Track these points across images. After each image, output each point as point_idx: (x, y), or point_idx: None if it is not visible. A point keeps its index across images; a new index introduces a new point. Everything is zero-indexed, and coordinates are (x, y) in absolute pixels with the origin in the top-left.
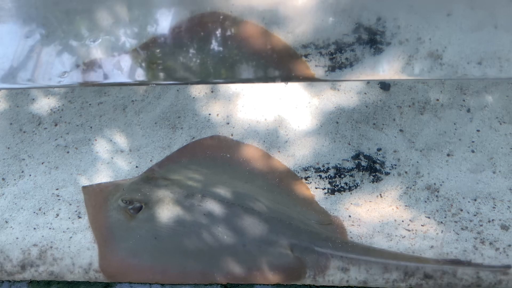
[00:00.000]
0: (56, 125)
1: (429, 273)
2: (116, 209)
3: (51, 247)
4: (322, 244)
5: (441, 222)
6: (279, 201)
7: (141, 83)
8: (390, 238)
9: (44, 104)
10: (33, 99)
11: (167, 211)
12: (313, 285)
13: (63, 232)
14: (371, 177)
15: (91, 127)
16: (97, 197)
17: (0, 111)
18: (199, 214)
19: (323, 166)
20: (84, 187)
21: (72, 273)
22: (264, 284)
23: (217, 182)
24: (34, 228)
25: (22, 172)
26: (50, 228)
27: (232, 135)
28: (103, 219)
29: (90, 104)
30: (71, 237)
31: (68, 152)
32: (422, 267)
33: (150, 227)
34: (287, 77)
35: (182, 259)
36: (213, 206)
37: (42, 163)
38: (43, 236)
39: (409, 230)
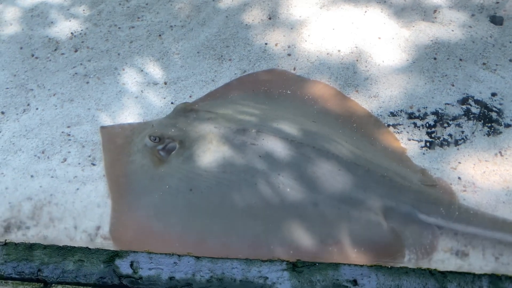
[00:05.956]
0: (76, 51)
1: None
2: (141, 151)
3: (49, 202)
4: (430, 209)
5: None
6: (361, 148)
7: None
8: None
9: (64, 28)
10: (52, 22)
11: (209, 152)
12: (435, 269)
13: (69, 182)
14: (486, 129)
15: (118, 54)
16: (117, 139)
17: (10, 34)
18: (252, 156)
19: (419, 111)
20: (102, 127)
21: (72, 240)
22: (350, 264)
23: (277, 117)
24: (32, 176)
25: (28, 105)
26: (52, 177)
27: (294, 69)
28: (123, 166)
29: (119, 28)
30: (77, 189)
31: (87, 82)
32: None
33: (185, 174)
34: None
35: (227, 222)
36: (273, 145)
37: (54, 95)
38: (41, 186)
39: None
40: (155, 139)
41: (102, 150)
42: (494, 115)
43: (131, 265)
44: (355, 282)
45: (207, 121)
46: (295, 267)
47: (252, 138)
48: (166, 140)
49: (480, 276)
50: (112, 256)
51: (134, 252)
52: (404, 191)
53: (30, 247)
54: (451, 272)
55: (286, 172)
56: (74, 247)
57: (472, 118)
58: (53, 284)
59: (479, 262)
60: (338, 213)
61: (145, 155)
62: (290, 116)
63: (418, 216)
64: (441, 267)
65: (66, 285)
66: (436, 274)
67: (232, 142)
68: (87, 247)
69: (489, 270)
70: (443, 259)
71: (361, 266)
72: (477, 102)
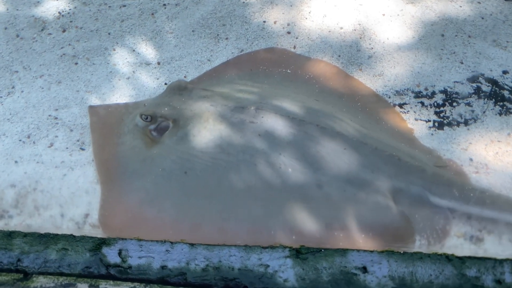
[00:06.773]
0: (64, 31)
1: None
2: (132, 132)
3: (34, 189)
4: (442, 191)
5: None
6: (367, 127)
7: None
8: None
9: (51, 7)
10: (38, 1)
11: (205, 132)
12: (452, 255)
13: (55, 167)
14: (498, 108)
15: (109, 34)
16: (107, 120)
17: None
18: (252, 135)
19: (426, 89)
20: (91, 107)
21: (58, 229)
22: (359, 250)
23: (277, 95)
24: (16, 162)
25: (12, 87)
26: (37, 162)
27: (294, 47)
28: (112, 148)
29: (109, 7)
30: (65, 175)
31: (76, 63)
32: None
33: (179, 156)
34: None
35: (224, 206)
36: (273, 123)
37: (41, 77)
38: (26, 173)
39: None
40: (147, 118)
41: (91, 131)
42: (506, 93)
43: (120, 253)
44: (364, 269)
45: (203, 99)
46: (298, 253)
47: (251, 116)
48: (158, 119)
49: (501, 261)
50: (98, 244)
51: (122, 239)
52: (415, 172)
53: (9, 235)
54: (469, 257)
55: (288, 151)
56: (57, 234)
57: (482, 97)
58: (34, 275)
59: (495, 248)
60: (344, 195)
61: (136, 136)
62: (291, 94)
63: (430, 199)
64: (452, 253)
65: (48, 276)
66: (453, 260)
67: (229, 120)
68: (71, 235)
69: (507, 256)
70: (456, 245)
71: (371, 252)
72: (487, 80)
